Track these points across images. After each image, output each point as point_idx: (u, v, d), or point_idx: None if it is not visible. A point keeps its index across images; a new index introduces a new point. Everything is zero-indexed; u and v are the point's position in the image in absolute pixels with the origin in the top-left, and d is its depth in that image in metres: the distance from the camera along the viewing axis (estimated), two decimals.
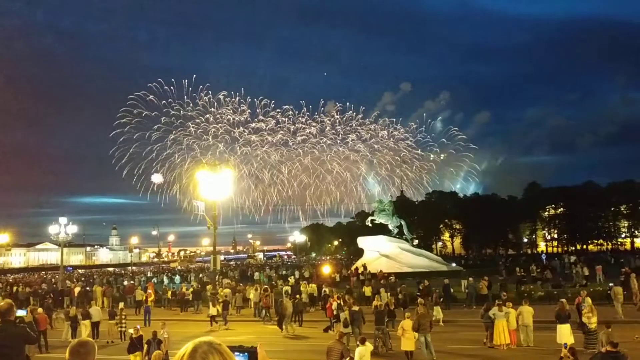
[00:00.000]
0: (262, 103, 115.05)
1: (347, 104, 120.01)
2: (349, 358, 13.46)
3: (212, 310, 26.87)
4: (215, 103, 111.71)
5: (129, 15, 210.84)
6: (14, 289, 43.99)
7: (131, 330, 17.10)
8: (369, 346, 14.33)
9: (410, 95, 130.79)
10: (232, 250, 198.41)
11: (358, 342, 14.50)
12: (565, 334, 16.49)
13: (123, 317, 23.19)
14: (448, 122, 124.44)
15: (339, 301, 23.64)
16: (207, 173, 34.23)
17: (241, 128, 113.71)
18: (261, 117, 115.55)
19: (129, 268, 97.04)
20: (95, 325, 23.42)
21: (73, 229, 46.15)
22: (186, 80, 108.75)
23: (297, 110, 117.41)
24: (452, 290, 30.32)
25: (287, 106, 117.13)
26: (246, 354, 1.82)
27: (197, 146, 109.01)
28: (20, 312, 15.95)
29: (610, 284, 26.73)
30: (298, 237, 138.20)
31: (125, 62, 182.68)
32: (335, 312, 22.93)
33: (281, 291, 31.38)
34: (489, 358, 17.59)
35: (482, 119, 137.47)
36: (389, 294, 27.02)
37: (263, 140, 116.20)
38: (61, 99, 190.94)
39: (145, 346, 15.84)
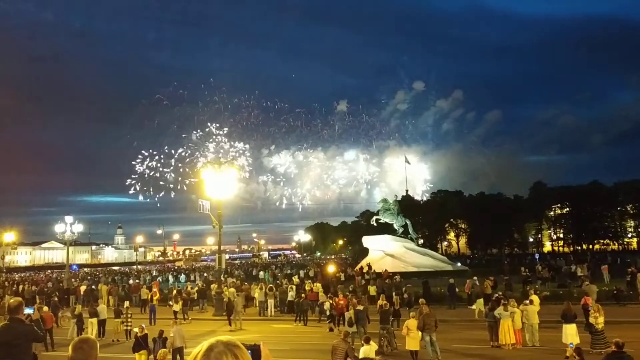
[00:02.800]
0: (276, 107, 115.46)
1: (360, 106, 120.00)
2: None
3: (175, 307, 28.32)
4: (230, 106, 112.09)
5: (138, 15, 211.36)
6: (20, 287, 44.25)
7: (136, 329, 17.19)
8: (373, 345, 14.33)
9: (423, 94, 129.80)
10: (237, 249, 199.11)
11: (362, 342, 14.50)
12: (571, 334, 16.42)
13: (128, 315, 23.33)
14: (460, 121, 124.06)
15: (330, 301, 23.85)
16: (212, 172, 34.34)
17: (253, 132, 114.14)
18: (273, 121, 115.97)
19: (134, 267, 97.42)
20: (101, 323, 23.66)
21: (79, 227, 46.28)
22: (203, 85, 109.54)
23: (309, 114, 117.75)
24: (457, 290, 30.33)
25: (299, 109, 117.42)
26: (249, 351, 1.81)
27: (206, 148, 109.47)
28: (28, 310, 16.07)
29: (587, 282, 26.45)
30: (303, 236, 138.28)
31: (134, 62, 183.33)
32: (328, 313, 23.05)
33: (286, 290, 31.44)
34: (494, 358, 17.54)
35: (494, 118, 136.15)
36: (394, 293, 27.03)
37: (273, 141, 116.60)
38: (68, 99, 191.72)
39: (151, 344, 15.91)
